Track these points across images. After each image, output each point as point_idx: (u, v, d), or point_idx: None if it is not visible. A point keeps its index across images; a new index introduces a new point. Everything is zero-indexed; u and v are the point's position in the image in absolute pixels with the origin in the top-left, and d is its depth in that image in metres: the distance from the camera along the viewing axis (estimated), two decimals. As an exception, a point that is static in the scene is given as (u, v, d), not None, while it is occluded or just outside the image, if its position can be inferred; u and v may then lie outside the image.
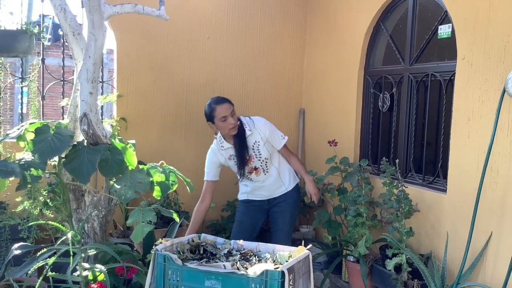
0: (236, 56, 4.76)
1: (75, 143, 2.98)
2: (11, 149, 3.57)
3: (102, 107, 4.40)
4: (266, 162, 3.39)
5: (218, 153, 3.43)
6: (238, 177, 3.50)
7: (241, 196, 3.60)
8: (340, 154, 4.07)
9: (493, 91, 2.95)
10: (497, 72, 2.92)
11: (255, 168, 3.40)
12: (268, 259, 2.61)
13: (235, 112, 3.30)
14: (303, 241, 2.76)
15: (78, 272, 2.73)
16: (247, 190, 3.54)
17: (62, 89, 4.34)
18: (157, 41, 4.43)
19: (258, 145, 3.37)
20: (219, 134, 3.42)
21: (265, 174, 3.41)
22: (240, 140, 3.33)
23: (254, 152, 3.37)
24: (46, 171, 2.85)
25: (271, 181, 3.44)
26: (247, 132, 3.34)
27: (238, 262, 2.50)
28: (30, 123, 2.93)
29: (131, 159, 3.03)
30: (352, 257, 3.70)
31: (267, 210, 3.53)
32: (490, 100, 2.97)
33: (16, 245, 2.98)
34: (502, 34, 2.89)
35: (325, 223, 4.04)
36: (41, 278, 2.76)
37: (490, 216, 2.97)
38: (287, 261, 2.48)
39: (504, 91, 2.81)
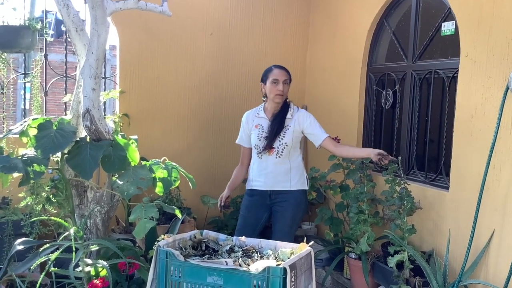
0: (239, 53, 4.75)
1: (78, 139, 2.99)
2: (14, 144, 3.57)
3: (104, 103, 4.41)
4: (284, 147, 3.41)
5: (250, 117, 3.58)
6: (255, 151, 3.53)
7: (247, 185, 3.62)
8: (342, 151, 4.06)
9: (496, 89, 2.94)
10: (501, 70, 2.91)
11: (271, 147, 3.43)
12: (270, 255, 2.61)
13: (289, 84, 3.47)
14: (305, 238, 2.76)
15: (80, 268, 2.74)
16: (252, 175, 3.55)
17: (64, 85, 4.34)
18: (160, 37, 4.42)
19: (288, 129, 3.44)
20: (263, 104, 3.57)
21: (276, 158, 3.42)
22: (280, 117, 3.44)
23: (280, 132, 3.46)
24: (49, 167, 2.86)
25: (279, 170, 3.43)
26: (288, 115, 3.45)
27: (240, 259, 2.50)
28: (33, 119, 2.94)
29: (134, 155, 3.03)
30: (354, 254, 3.70)
31: (269, 206, 3.51)
32: (493, 98, 2.96)
33: (18, 241, 2.99)
34: (506, 31, 2.87)
35: (327, 220, 4.04)
36: (43, 273, 2.77)
37: (492, 214, 2.96)
38: (289, 258, 2.48)
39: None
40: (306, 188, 3.53)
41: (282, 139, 3.42)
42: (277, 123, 3.43)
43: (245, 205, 3.58)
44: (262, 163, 3.48)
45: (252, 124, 3.54)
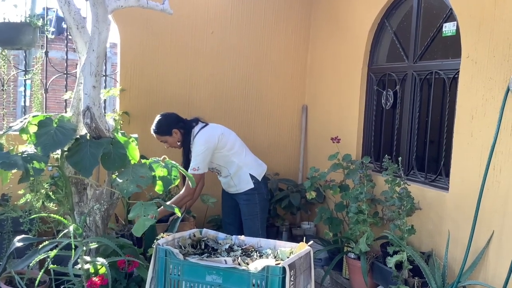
0: (240, 52, 4.75)
1: (78, 136, 2.98)
2: (14, 141, 3.57)
3: (105, 101, 4.40)
4: (212, 170, 3.81)
5: None
6: None
7: None
8: (342, 151, 4.06)
9: (497, 90, 2.94)
10: (502, 71, 2.91)
11: (211, 169, 3.80)
12: (269, 255, 2.61)
13: (166, 139, 3.75)
14: (304, 238, 2.77)
15: (79, 265, 2.74)
16: None
17: (65, 82, 4.34)
18: (161, 35, 4.42)
19: None
20: None
21: (218, 175, 3.86)
22: (184, 150, 3.76)
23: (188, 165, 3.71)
24: (49, 164, 2.86)
25: (223, 181, 3.86)
26: (191, 146, 3.71)
27: (239, 258, 2.50)
28: (33, 116, 2.93)
29: (134, 153, 3.03)
30: (353, 254, 3.70)
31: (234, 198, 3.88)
32: (494, 99, 2.96)
33: (18, 238, 2.99)
34: (507, 33, 2.87)
35: (327, 220, 4.04)
36: (42, 270, 2.77)
37: (492, 215, 2.96)
38: (288, 257, 2.48)
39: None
40: (252, 186, 3.73)
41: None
42: (184, 158, 3.75)
43: (222, 195, 4.04)
44: None
45: None
